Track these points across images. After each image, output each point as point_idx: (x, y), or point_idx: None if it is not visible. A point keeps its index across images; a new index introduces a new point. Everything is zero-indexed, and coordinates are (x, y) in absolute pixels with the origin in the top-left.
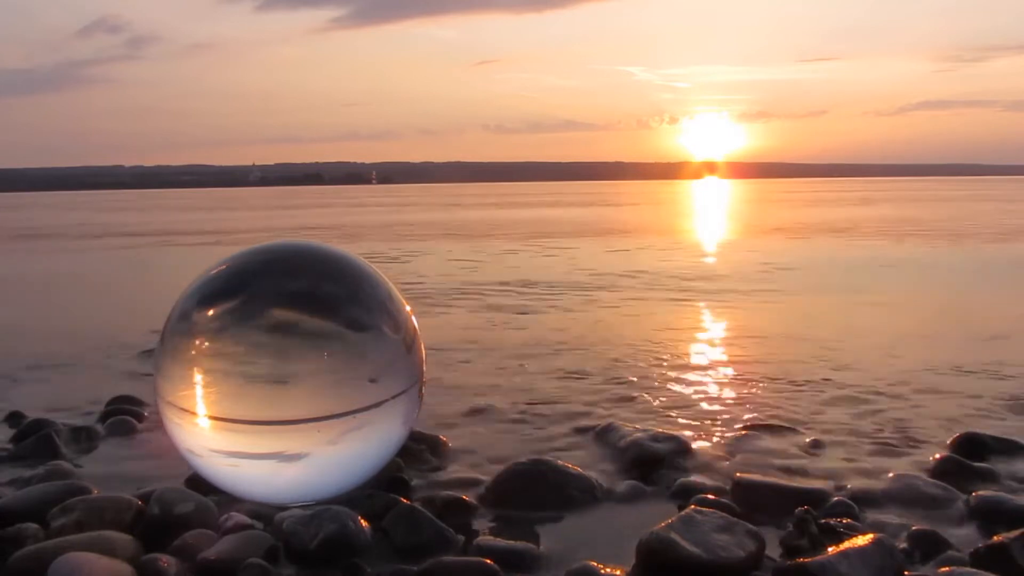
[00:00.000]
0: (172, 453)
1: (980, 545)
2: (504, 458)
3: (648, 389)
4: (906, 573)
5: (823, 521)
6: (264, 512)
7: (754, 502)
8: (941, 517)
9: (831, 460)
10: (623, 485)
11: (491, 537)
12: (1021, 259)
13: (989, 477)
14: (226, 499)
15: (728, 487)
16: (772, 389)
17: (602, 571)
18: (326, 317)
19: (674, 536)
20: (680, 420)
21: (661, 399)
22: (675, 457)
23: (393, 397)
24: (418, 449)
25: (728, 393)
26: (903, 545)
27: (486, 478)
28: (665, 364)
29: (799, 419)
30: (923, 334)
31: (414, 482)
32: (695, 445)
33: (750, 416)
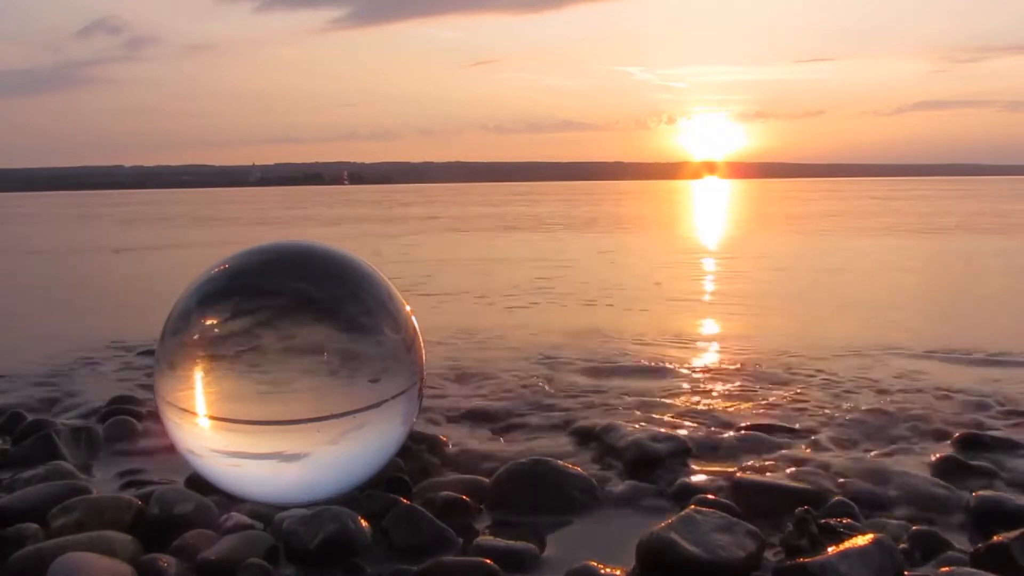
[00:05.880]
0: (172, 453)
1: (980, 545)
2: (504, 458)
3: (651, 389)
4: (906, 573)
5: (823, 521)
6: (264, 512)
7: (754, 502)
8: (941, 517)
9: (831, 460)
10: (623, 485)
11: (491, 537)
12: None
13: (989, 476)
14: (226, 499)
15: (728, 487)
16: (772, 389)
17: (602, 571)
18: (326, 317)
19: (674, 536)
20: (680, 420)
21: (661, 398)
22: (675, 457)
23: (393, 397)
24: (418, 449)
25: (728, 393)
26: (903, 545)
27: (486, 478)
28: (668, 364)
29: (799, 419)
30: (927, 333)
31: (414, 482)
32: (695, 445)
33: (750, 416)
